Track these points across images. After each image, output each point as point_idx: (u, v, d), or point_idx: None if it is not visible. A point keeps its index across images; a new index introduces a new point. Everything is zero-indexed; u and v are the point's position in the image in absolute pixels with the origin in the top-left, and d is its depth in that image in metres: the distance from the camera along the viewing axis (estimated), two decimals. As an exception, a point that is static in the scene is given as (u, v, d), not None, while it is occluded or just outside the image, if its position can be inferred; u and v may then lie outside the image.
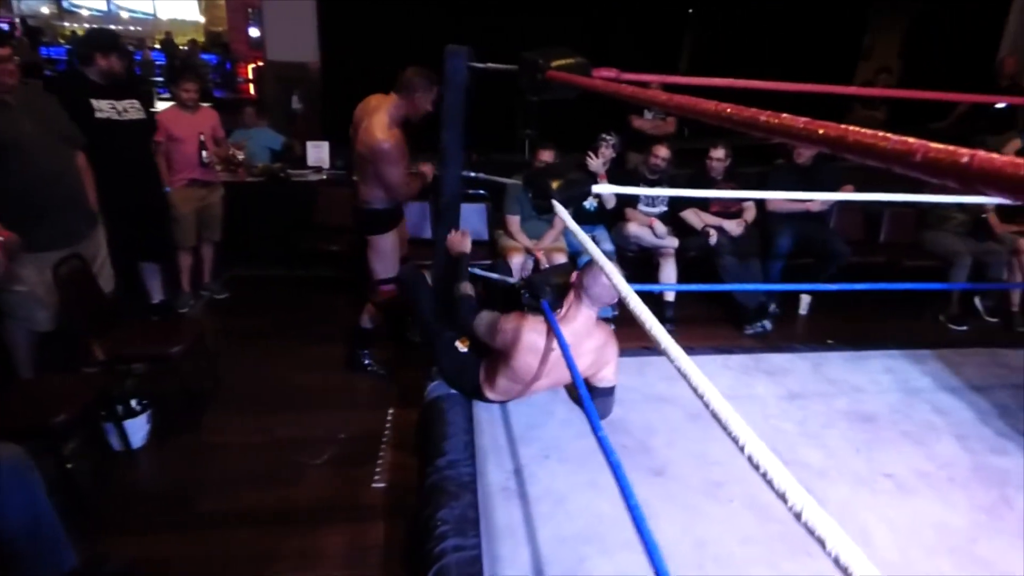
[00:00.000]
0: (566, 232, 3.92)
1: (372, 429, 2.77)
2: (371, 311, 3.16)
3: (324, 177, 4.67)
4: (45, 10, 15.40)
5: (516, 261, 3.65)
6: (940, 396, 2.33)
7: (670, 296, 3.95)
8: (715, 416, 0.72)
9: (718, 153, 4.03)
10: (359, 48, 5.50)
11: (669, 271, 3.93)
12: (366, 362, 3.26)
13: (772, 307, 3.80)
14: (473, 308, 2.08)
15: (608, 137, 4.01)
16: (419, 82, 2.65)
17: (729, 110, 0.73)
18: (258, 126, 5.13)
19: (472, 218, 4.23)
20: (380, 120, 2.65)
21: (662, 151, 4.03)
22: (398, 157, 2.68)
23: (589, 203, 3.99)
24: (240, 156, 4.76)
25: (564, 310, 1.96)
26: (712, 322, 4.04)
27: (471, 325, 2.04)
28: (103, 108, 3.22)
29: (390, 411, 2.91)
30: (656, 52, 6.42)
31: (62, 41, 12.78)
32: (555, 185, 1.80)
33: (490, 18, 5.69)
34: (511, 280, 2.30)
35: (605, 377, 2.03)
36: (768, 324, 3.83)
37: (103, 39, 3.39)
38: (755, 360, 2.50)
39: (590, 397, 2.08)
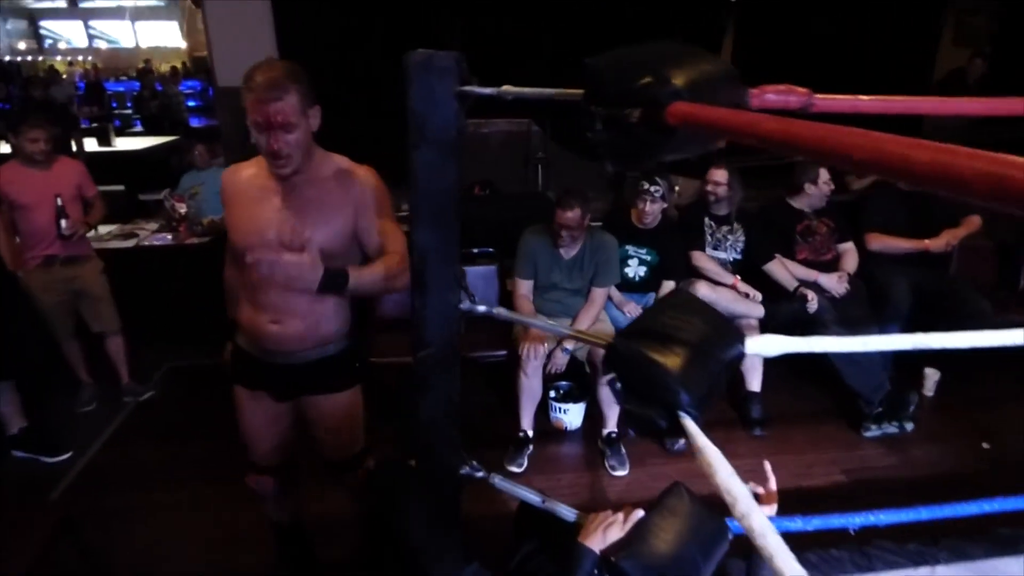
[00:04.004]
0: (608, 306, 2.83)
1: None
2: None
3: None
4: (22, 45, 14.72)
5: (531, 359, 2.55)
6: None
7: (755, 385, 2.85)
8: None
9: (823, 177, 2.95)
10: (325, 64, 4.48)
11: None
12: None
13: (913, 402, 2.67)
14: None
15: (656, 188, 2.79)
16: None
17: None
18: (213, 166, 4.16)
19: (477, 285, 3.17)
20: None
21: (718, 174, 2.94)
22: None
23: (633, 271, 2.90)
24: (182, 210, 3.80)
25: None
26: (815, 419, 2.93)
27: None
28: None
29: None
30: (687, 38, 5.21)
31: (41, 76, 12.05)
32: (675, 368, 0.73)
33: (478, 21, 4.66)
34: (535, 500, 1.08)
35: None
36: (909, 425, 2.69)
37: None
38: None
39: None
